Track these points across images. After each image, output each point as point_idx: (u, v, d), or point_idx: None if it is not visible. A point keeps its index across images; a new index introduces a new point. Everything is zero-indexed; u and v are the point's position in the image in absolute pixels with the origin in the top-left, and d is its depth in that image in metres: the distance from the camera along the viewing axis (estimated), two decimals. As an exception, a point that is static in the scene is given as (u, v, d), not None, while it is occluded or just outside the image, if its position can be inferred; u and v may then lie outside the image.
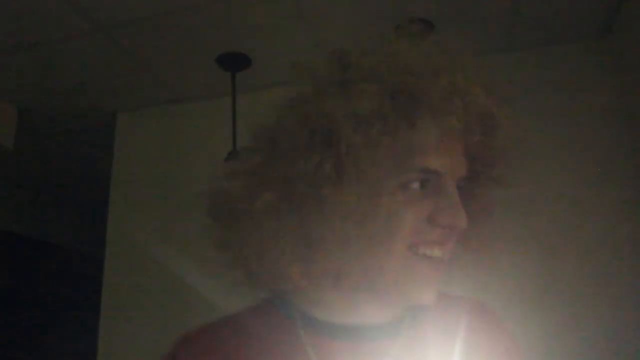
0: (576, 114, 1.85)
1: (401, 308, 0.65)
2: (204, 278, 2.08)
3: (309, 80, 0.61)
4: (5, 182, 3.23)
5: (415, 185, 0.57)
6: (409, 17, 1.76)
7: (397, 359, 0.61)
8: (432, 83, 0.56)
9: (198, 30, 1.82)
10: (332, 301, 0.62)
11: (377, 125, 0.55)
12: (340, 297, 0.62)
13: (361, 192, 0.55)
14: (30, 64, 2.01)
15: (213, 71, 2.04)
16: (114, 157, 2.39)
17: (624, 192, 1.73)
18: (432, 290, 0.58)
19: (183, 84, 2.20)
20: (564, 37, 1.91)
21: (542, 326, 1.65)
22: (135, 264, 2.17)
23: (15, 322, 3.32)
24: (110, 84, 2.18)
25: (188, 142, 2.28)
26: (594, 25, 1.85)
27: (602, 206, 1.74)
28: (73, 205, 3.69)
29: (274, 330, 0.62)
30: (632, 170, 1.74)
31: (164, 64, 2.04)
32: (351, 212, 0.55)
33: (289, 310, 0.63)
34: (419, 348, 0.63)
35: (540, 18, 1.80)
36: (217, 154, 1.96)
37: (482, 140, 0.61)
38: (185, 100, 2.32)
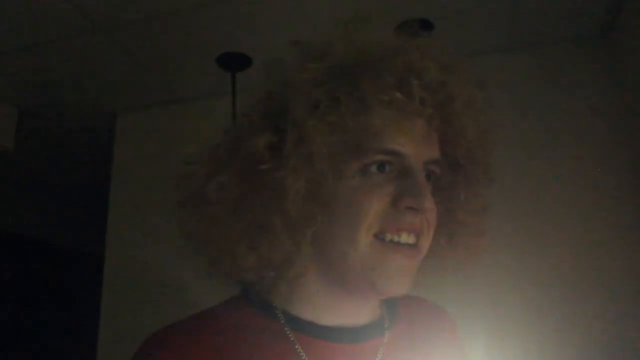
0: (576, 114, 1.85)
1: (380, 307, 0.65)
2: (204, 278, 2.08)
3: (277, 76, 0.61)
4: (5, 182, 3.23)
5: (374, 168, 0.56)
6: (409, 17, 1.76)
7: (383, 358, 0.60)
8: (385, 63, 0.56)
9: (198, 30, 1.82)
10: (314, 301, 0.60)
11: (330, 108, 0.54)
12: (319, 296, 0.60)
13: (314, 176, 0.54)
14: (30, 64, 2.01)
15: (213, 71, 2.04)
16: (114, 157, 2.39)
17: (623, 191, 1.73)
18: (403, 280, 0.56)
19: (183, 84, 2.20)
20: (564, 37, 1.91)
21: (538, 326, 1.65)
22: (135, 264, 2.17)
23: (15, 322, 3.32)
24: (110, 84, 2.18)
25: (188, 142, 2.28)
26: (594, 25, 1.85)
27: (601, 205, 1.74)
28: (73, 205, 3.69)
29: (260, 328, 0.59)
30: (631, 169, 1.74)
31: (164, 64, 2.04)
32: (299, 195, 0.54)
33: (269, 308, 0.61)
34: (401, 348, 0.62)
35: (540, 18, 1.80)
36: (217, 154, 1.96)
37: (450, 122, 0.59)
38: (185, 100, 2.32)
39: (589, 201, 1.75)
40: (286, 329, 0.59)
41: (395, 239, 0.56)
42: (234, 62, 2.00)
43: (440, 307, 0.74)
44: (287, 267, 0.58)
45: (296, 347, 0.57)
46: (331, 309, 0.60)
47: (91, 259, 3.00)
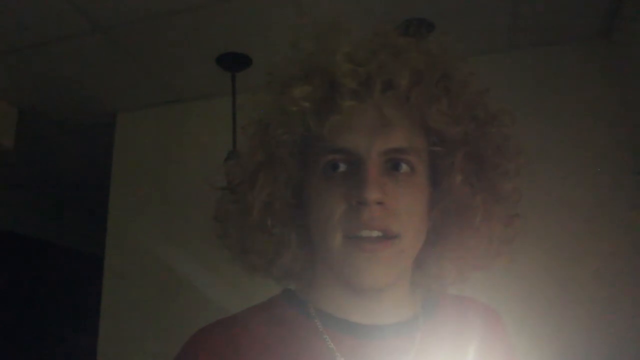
0: (576, 114, 1.85)
1: (416, 306, 0.64)
2: (204, 277, 2.08)
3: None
4: (5, 182, 3.23)
5: (328, 169, 0.58)
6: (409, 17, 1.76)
7: (414, 358, 0.60)
8: (333, 61, 0.58)
9: (198, 30, 1.82)
10: (339, 299, 0.61)
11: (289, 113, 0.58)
12: (342, 294, 0.61)
13: (286, 180, 0.60)
14: (30, 64, 2.01)
15: (213, 71, 2.04)
16: (114, 157, 2.39)
17: (623, 191, 1.73)
18: (373, 273, 0.56)
19: (183, 84, 2.20)
20: (564, 37, 1.91)
21: (538, 326, 1.65)
22: (135, 264, 2.17)
23: (15, 322, 3.32)
24: (110, 84, 2.18)
25: (188, 142, 2.28)
26: (594, 25, 1.85)
27: (601, 205, 1.74)
28: (73, 205, 3.69)
29: (293, 326, 0.61)
30: (631, 169, 1.74)
31: (164, 64, 2.04)
32: (259, 207, 0.60)
33: (303, 307, 0.62)
34: (435, 347, 0.62)
35: (540, 18, 1.80)
36: (217, 154, 1.96)
37: (417, 103, 0.58)
38: (185, 100, 2.32)
39: (589, 201, 1.75)
40: (319, 326, 0.60)
41: (358, 234, 0.56)
42: (234, 62, 2.00)
43: (489, 309, 0.71)
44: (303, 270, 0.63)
45: (328, 343, 0.58)
46: (356, 306, 0.61)
47: (91, 259, 2.99)
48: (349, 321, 0.60)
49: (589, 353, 1.60)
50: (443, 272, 0.64)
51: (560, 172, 1.78)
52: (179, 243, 2.14)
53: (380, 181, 0.56)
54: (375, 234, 0.56)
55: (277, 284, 0.67)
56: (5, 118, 2.30)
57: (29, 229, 3.50)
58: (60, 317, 3.56)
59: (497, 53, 1.96)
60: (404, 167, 0.58)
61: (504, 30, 1.88)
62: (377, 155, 0.57)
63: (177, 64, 2.04)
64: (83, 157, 2.93)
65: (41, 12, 1.68)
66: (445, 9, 1.73)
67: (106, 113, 2.41)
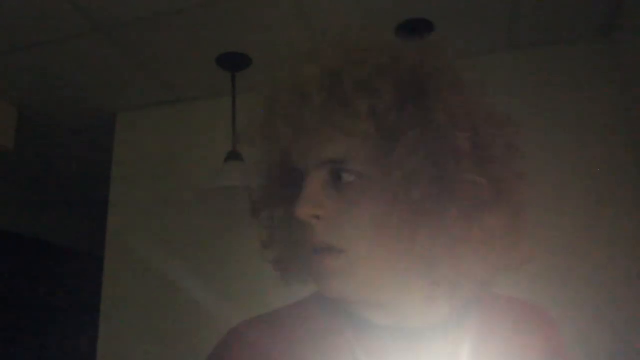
0: (576, 114, 1.85)
1: (449, 307, 0.61)
2: (204, 277, 2.08)
3: None
4: (5, 182, 3.23)
5: (287, 184, 0.61)
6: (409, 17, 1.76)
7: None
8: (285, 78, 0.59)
9: (198, 30, 1.82)
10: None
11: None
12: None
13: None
14: (30, 64, 2.01)
15: (213, 71, 2.04)
16: (114, 157, 2.39)
17: (623, 191, 1.73)
18: (328, 286, 0.55)
19: (183, 84, 2.20)
20: (564, 37, 1.91)
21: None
22: (135, 264, 2.17)
23: (15, 322, 3.32)
24: (110, 84, 2.18)
25: (188, 142, 2.28)
26: (594, 25, 1.85)
27: (602, 206, 1.74)
28: (73, 205, 3.69)
29: (321, 326, 0.61)
30: (632, 169, 1.74)
31: (164, 64, 2.04)
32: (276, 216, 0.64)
33: (333, 308, 0.62)
34: (467, 350, 0.60)
35: (540, 18, 1.80)
36: (217, 154, 1.96)
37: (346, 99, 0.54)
38: (185, 100, 2.32)
39: (589, 201, 1.75)
40: (344, 327, 0.60)
41: (311, 248, 0.57)
42: (234, 62, 2.00)
43: (540, 310, 0.68)
44: None
45: (352, 345, 0.59)
46: (379, 308, 0.60)
47: (91, 259, 3.00)
48: (374, 322, 0.59)
49: (588, 353, 1.60)
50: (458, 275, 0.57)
51: (559, 172, 1.78)
52: (178, 242, 2.14)
53: (318, 195, 0.54)
54: (321, 245, 0.55)
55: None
56: (5, 118, 2.30)
57: (29, 229, 3.50)
58: (60, 317, 3.57)
59: (497, 53, 1.96)
60: (346, 177, 0.55)
61: (504, 30, 1.88)
62: (315, 168, 0.55)
63: (177, 64, 2.04)
64: (83, 157, 2.93)
65: (41, 12, 1.68)
66: (445, 9, 1.73)
67: (106, 113, 2.41)
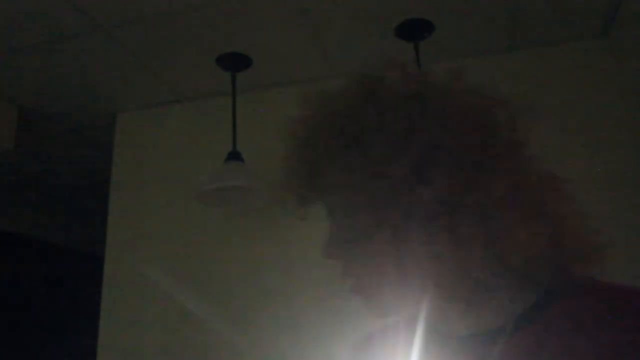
0: (575, 114, 1.85)
1: (507, 313, 0.61)
2: (204, 277, 2.08)
3: None
4: (5, 182, 3.23)
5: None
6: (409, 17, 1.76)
7: None
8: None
9: (198, 30, 1.82)
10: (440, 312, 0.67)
11: None
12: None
13: None
14: (30, 64, 2.01)
15: (213, 71, 2.04)
16: (114, 157, 2.39)
17: (624, 191, 1.73)
18: (373, 313, 0.66)
19: (183, 84, 2.20)
20: (564, 37, 1.91)
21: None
22: (135, 264, 2.17)
23: (16, 323, 3.32)
24: (110, 84, 2.18)
25: (188, 142, 2.28)
26: (594, 25, 1.85)
27: (601, 205, 1.74)
28: (73, 205, 3.69)
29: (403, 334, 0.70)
30: (632, 169, 1.74)
31: (164, 64, 2.04)
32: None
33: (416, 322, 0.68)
34: (522, 356, 0.57)
35: (541, 18, 1.80)
36: (217, 154, 1.96)
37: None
38: (185, 100, 2.32)
39: (588, 201, 1.75)
40: (410, 335, 0.67)
41: None
42: (234, 62, 2.00)
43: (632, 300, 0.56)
44: None
45: (412, 350, 0.66)
46: (437, 317, 0.66)
47: (91, 259, 3.00)
48: (439, 331, 0.66)
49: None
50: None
51: (559, 173, 1.78)
52: (178, 243, 2.14)
53: None
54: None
55: None
56: (5, 118, 2.30)
57: (29, 229, 3.50)
58: (60, 318, 3.56)
59: (497, 53, 1.96)
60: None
61: (504, 30, 1.88)
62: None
63: (177, 64, 2.04)
64: (83, 157, 2.93)
65: (41, 12, 1.68)
66: (445, 9, 1.73)
67: (106, 113, 2.41)
